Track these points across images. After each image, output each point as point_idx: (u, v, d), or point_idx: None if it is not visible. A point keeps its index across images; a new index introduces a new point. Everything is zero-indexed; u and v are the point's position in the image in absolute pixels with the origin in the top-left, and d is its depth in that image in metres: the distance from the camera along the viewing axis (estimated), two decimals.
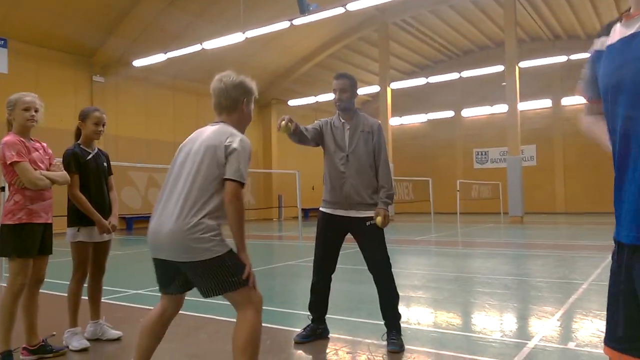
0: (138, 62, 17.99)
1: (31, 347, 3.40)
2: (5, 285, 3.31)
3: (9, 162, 3.18)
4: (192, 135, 2.59)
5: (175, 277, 2.45)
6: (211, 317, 4.42)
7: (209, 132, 2.48)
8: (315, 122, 3.87)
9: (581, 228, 15.82)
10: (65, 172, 3.49)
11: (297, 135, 3.63)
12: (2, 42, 15.54)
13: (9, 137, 3.26)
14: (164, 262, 2.38)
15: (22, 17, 15.44)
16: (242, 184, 2.32)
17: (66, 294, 3.72)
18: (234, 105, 2.55)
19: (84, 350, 3.54)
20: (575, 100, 25.30)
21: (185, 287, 2.50)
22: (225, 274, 2.29)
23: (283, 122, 3.48)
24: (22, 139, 3.30)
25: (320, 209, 3.77)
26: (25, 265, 3.22)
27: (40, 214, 3.31)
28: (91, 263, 3.81)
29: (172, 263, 2.35)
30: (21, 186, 3.23)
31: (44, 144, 3.55)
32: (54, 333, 3.66)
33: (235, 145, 2.34)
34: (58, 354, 3.47)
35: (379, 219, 3.52)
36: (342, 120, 3.73)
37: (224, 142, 2.36)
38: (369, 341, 3.67)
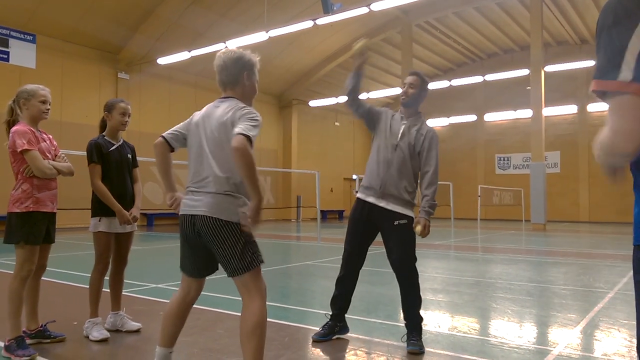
0: (162, 60, 18.19)
1: (30, 331, 3.45)
2: (12, 272, 3.34)
3: (19, 150, 3.23)
4: (201, 114, 2.63)
5: (199, 257, 2.54)
6: (229, 312, 4.42)
7: (221, 108, 2.54)
8: (382, 108, 3.85)
9: (606, 237, 15.47)
10: (70, 164, 3.54)
11: (355, 82, 3.66)
12: (31, 37, 15.86)
13: (19, 126, 3.32)
14: (191, 240, 2.48)
15: (50, 13, 15.75)
16: (249, 138, 2.30)
17: (87, 286, 3.77)
18: (235, 80, 2.61)
19: (104, 340, 3.55)
20: (602, 106, 24.82)
21: (207, 269, 2.61)
22: (251, 249, 2.43)
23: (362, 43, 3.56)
24: (32, 128, 3.37)
25: (357, 196, 3.74)
26: (32, 252, 3.29)
27: (47, 202, 3.38)
28: (113, 254, 3.84)
29: (204, 230, 2.42)
30: (29, 174, 3.29)
31: (50, 136, 3.62)
32: (54, 320, 3.70)
33: (244, 114, 2.44)
34: (56, 340, 3.51)
35: (418, 228, 3.48)
36: (402, 116, 3.71)
37: (234, 115, 2.46)
38: (388, 342, 3.61)
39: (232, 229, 2.40)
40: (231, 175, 2.44)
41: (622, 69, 1.08)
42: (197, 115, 2.65)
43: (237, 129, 2.35)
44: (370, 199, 3.60)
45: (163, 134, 2.64)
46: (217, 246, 2.43)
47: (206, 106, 2.66)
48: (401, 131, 3.62)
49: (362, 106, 3.72)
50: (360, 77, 3.66)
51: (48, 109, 3.46)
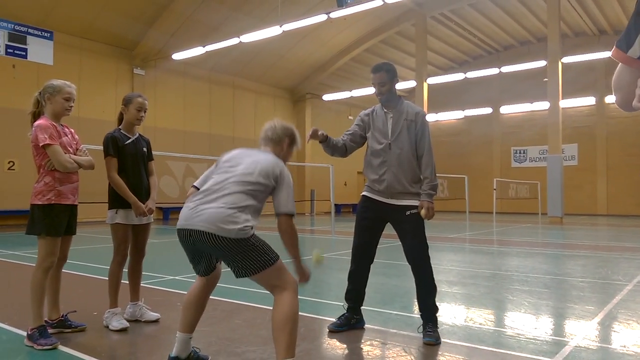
0: (177, 55, 18.30)
1: (51, 321, 3.52)
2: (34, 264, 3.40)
3: (41, 145, 3.29)
4: (237, 152, 2.81)
5: (202, 258, 2.64)
6: (246, 304, 4.46)
7: (261, 155, 2.74)
8: (357, 118, 3.83)
9: (624, 230, 15.26)
10: (90, 158, 3.59)
11: (330, 148, 3.65)
12: (49, 34, 16.08)
13: (42, 121, 3.37)
14: (192, 243, 2.52)
15: (67, 10, 15.94)
16: (292, 215, 2.59)
17: (107, 277, 3.83)
18: (278, 140, 2.87)
19: (123, 330, 3.62)
20: None
21: (211, 268, 2.70)
22: (254, 253, 2.46)
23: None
24: (54, 123, 3.42)
25: (362, 193, 3.74)
26: (54, 244, 3.35)
27: (68, 195, 3.44)
28: (131, 246, 3.89)
29: (202, 243, 2.47)
30: (51, 168, 3.35)
31: (72, 130, 3.66)
32: (75, 310, 3.77)
33: (283, 176, 2.64)
34: (77, 329, 3.58)
35: (422, 212, 3.47)
36: (385, 110, 3.69)
37: (276, 170, 2.64)
38: (404, 333, 3.62)
39: (232, 245, 2.43)
40: (243, 197, 2.52)
41: (635, 45, 1.20)
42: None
43: (278, 206, 2.58)
44: (378, 197, 3.61)
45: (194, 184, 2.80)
46: (221, 257, 2.54)
47: (241, 149, 2.85)
48: (391, 128, 3.60)
49: (342, 148, 3.72)
50: (331, 148, 3.66)
51: (71, 106, 3.51)
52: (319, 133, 3.56)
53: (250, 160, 2.67)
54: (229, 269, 2.64)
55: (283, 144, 2.87)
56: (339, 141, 3.68)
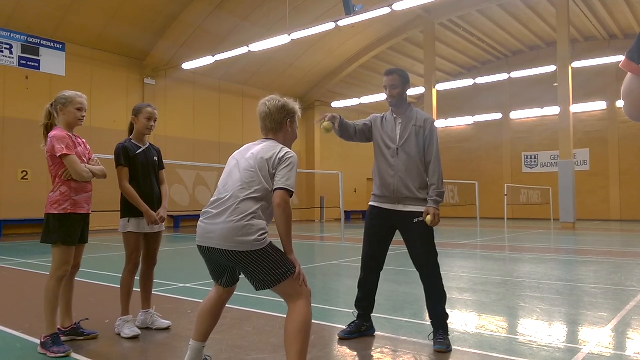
0: (187, 65, 18.47)
1: (64, 328, 3.55)
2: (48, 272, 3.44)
3: (58, 155, 3.34)
4: (241, 148, 2.79)
5: (225, 271, 2.66)
6: (257, 311, 4.47)
7: (260, 146, 2.67)
8: (369, 117, 3.85)
9: (638, 235, 15.06)
10: (103, 167, 3.65)
11: (342, 131, 3.65)
12: (61, 46, 16.33)
13: (57, 132, 3.41)
14: (214, 258, 2.57)
15: (78, 21, 16.17)
16: (290, 192, 2.49)
17: (119, 285, 3.87)
18: (278, 127, 2.75)
19: (135, 337, 3.64)
20: None
21: (235, 279, 2.72)
22: (273, 266, 2.46)
23: (325, 122, 3.50)
24: (69, 133, 3.47)
25: (370, 203, 3.75)
26: (69, 253, 3.39)
27: (83, 204, 3.50)
28: (143, 254, 3.93)
29: (222, 258, 2.51)
30: (67, 178, 3.40)
31: (84, 140, 3.71)
32: (87, 318, 3.80)
33: (284, 158, 2.56)
34: (89, 337, 3.61)
35: (428, 218, 3.46)
36: (395, 116, 3.70)
37: (274, 156, 2.57)
38: (415, 340, 3.61)
39: (250, 257, 2.44)
40: (251, 203, 2.49)
41: None
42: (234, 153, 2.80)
43: (277, 182, 2.50)
44: (386, 206, 3.61)
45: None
46: (242, 270, 2.54)
47: (244, 146, 2.80)
48: (399, 134, 3.61)
49: (351, 132, 3.71)
50: (343, 130, 3.66)
51: (84, 116, 3.57)
52: (338, 120, 3.57)
53: (249, 156, 2.62)
54: (241, 278, 2.66)
55: (285, 127, 2.75)
56: (349, 124, 3.68)
